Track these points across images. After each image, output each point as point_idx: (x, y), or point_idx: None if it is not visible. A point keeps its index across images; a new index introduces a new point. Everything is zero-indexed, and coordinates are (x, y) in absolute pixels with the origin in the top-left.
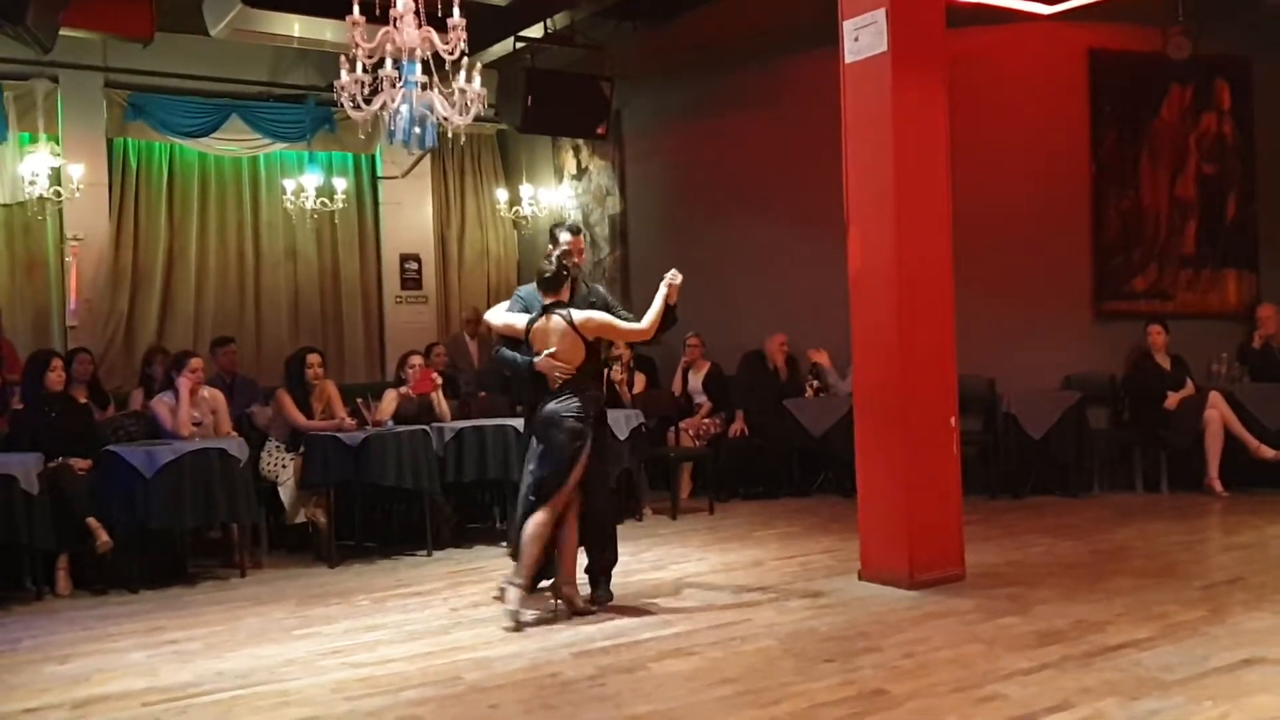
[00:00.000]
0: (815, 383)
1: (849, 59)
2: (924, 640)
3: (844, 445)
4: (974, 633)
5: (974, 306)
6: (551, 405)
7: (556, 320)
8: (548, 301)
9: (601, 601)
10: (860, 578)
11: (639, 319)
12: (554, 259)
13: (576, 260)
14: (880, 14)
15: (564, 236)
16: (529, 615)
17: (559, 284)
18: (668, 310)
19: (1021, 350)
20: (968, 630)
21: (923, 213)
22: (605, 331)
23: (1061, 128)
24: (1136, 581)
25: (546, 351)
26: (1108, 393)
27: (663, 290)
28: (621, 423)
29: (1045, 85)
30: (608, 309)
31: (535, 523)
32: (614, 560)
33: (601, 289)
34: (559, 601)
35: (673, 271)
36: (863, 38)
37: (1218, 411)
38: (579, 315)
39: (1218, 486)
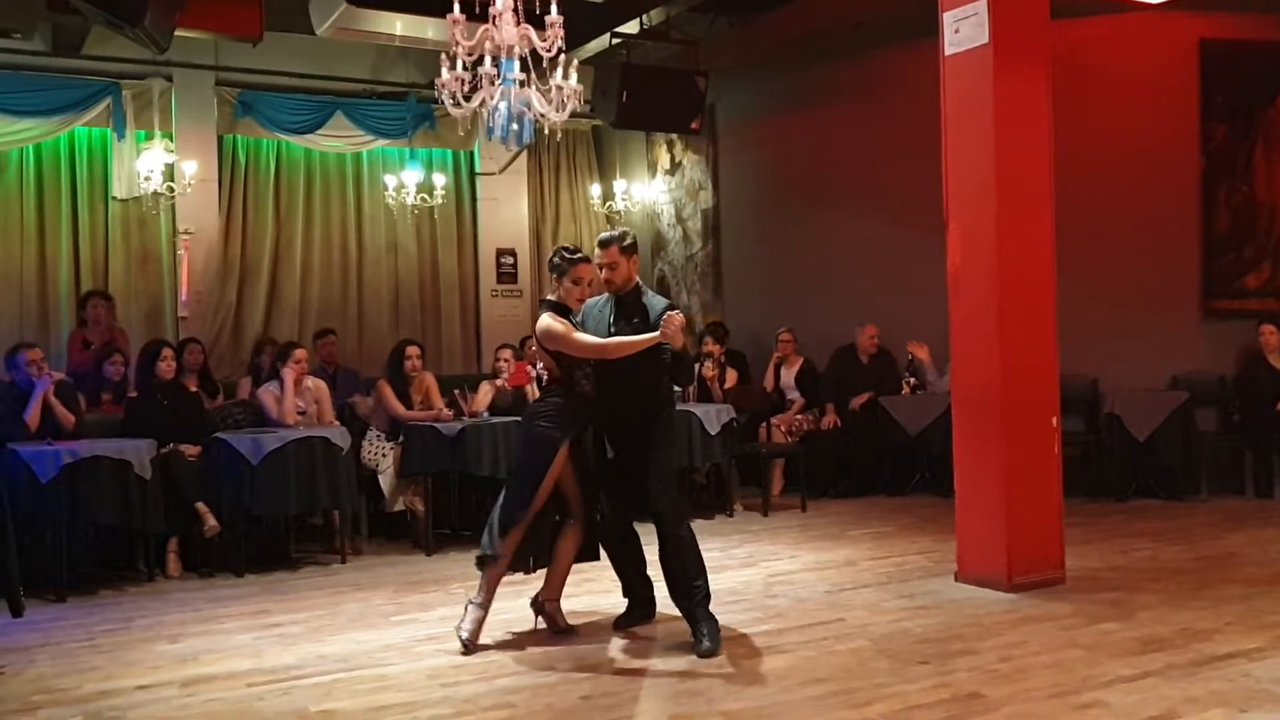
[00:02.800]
0: (912, 379)
1: (949, 51)
2: (1021, 644)
3: (941, 444)
4: (1073, 638)
5: (1076, 304)
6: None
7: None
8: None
9: (702, 654)
10: (956, 579)
11: (721, 320)
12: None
13: (605, 276)
14: (982, 5)
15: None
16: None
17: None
18: (676, 361)
19: (1126, 349)
20: (1067, 635)
21: (1024, 208)
22: (557, 343)
23: (1169, 120)
24: (1246, 590)
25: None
26: (1217, 394)
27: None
28: (713, 418)
29: (1153, 77)
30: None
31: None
32: (693, 592)
33: (659, 302)
34: (540, 618)
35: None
36: (963, 29)
37: None
38: (541, 322)
39: None
